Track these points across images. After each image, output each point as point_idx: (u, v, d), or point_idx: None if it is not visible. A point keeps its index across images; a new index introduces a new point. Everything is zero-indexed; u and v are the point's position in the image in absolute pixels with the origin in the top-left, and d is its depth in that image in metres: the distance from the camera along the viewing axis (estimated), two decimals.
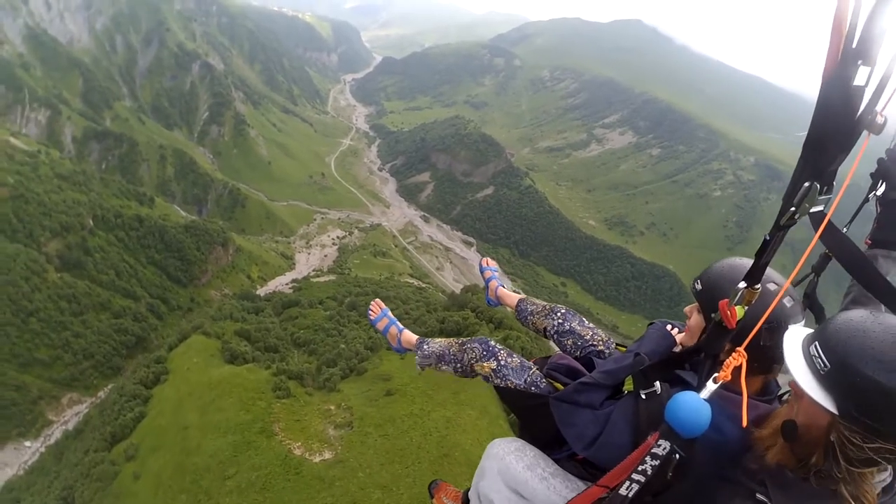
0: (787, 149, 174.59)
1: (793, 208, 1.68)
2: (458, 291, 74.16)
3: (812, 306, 2.13)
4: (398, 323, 4.18)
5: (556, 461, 2.84)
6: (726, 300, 1.88)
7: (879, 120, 1.65)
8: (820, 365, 1.62)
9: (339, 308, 64.93)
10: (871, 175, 2.26)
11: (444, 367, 3.57)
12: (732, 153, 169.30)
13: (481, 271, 4.76)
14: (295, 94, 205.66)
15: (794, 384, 1.72)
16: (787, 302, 2.16)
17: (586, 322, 3.57)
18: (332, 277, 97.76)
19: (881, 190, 2.48)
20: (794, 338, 1.80)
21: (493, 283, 4.51)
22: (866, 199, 2.65)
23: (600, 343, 3.35)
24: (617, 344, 3.37)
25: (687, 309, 2.62)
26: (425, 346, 3.72)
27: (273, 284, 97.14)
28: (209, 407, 39.68)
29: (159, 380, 47.37)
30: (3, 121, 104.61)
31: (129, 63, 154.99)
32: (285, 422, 37.11)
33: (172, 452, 37.12)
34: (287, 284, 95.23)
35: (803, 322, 2.18)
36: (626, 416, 2.32)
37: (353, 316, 59.45)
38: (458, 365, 3.45)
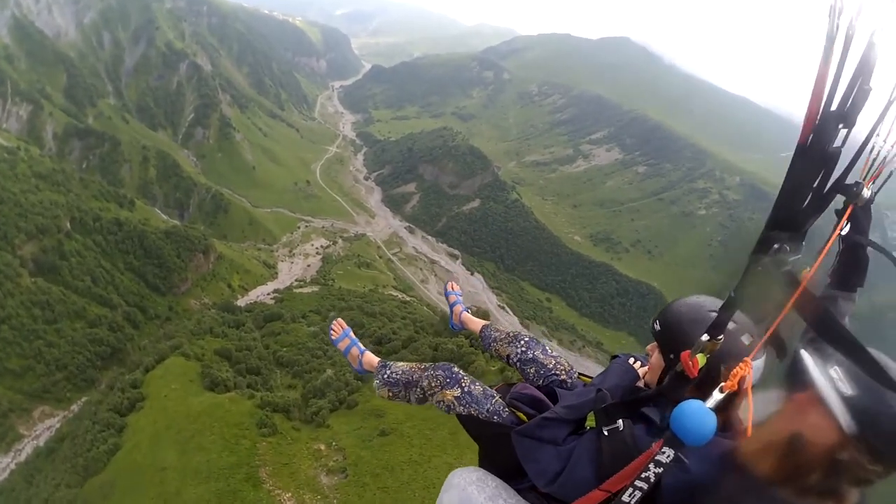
0: (772, 169, 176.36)
1: (759, 268, 1.69)
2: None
3: (774, 342, 2.06)
4: (360, 344, 4.09)
5: (518, 491, 2.81)
6: (688, 352, 1.91)
7: (866, 192, 1.62)
8: (844, 389, 1.61)
9: (323, 324, 63.24)
10: (837, 213, 2.19)
11: (404, 393, 3.48)
12: (718, 172, 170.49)
13: (446, 295, 4.76)
14: (282, 98, 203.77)
15: (800, 398, 1.71)
16: (746, 339, 2.18)
17: (549, 350, 3.55)
18: (316, 289, 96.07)
19: (846, 230, 2.40)
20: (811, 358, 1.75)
21: (458, 308, 4.54)
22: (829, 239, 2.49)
23: (563, 373, 3.35)
24: (580, 374, 3.37)
25: (649, 347, 2.66)
26: (387, 371, 3.62)
27: (254, 294, 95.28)
28: (189, 444, 37.23)
29: (134, 406, 44.79)
30: None
31: (116, 60, 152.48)
32: (272, 465, 34.72)
33: (149, 497, 34.49)
34: (269, 295, 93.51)
35: (763, 357, 2.18)
36: (588, 453, 2.34)
37: None
38: (420, 392, 3.38)
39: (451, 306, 4.62)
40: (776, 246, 1.66)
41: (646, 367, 2.75)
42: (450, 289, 4.79)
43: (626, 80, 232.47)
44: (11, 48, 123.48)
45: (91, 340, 70.38)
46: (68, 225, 79.74)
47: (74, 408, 63.87)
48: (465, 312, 4.52)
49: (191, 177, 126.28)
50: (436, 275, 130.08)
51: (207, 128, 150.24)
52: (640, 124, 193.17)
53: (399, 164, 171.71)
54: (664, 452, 1.84)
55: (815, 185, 1.61)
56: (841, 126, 1.54)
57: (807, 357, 1.74)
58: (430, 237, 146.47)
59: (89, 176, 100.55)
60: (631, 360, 2.96)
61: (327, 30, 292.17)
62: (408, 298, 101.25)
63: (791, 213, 1.65)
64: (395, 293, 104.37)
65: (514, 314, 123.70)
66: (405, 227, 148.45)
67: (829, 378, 1.64)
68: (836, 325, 1.58)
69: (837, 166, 1.60)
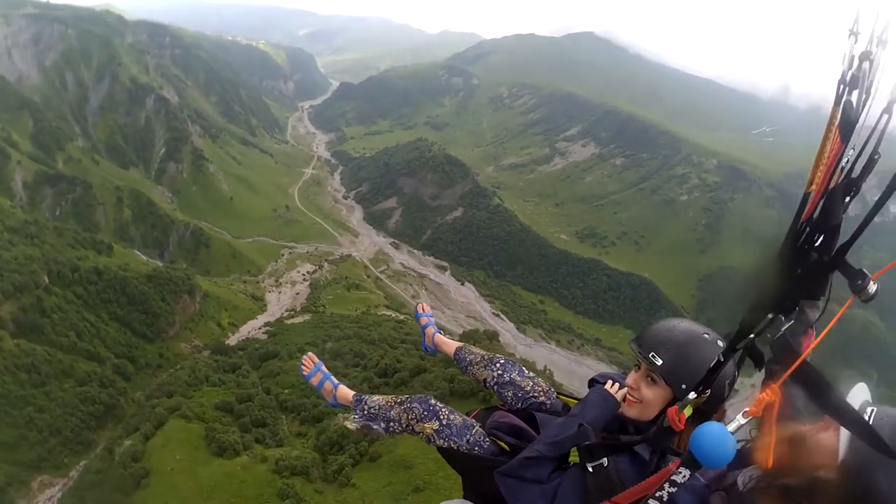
0: (747, 148, 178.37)
1: (752, 335, 1.70)
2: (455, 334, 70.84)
3: (752, 355, 2.09)
4: (332, 378, 4.02)
5: None
6: (675, 408, 1.97)
7: (871, 288, 1.57)
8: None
9: (321, 357, 61.23)
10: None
11: (382, 426, 3.48)
12: (695, 157, 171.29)
13: (417, 317, 4.66)
14: (253, 124, 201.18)
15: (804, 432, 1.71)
16: (730, 367, 2.24)
17: (526, 372, 3.55)
18: (307, 317, 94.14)
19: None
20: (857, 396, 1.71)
21: (430, 330, 4.44)
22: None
23: (541, 394, 3.35)
24: (559, 393, 3.36)
25: (630, 382, 2.69)
26: (363, 405, 3.60)
27: (245, 330, 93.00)
28: None
29: (139, 484, 41.95)
30: None
31: (81, 100, 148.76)
32: None
33: None
34: (260, 329, 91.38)
35: (737, 378, 2.31)
36: (574, 490, 2.36)
37: (339, 367, 55.54)
38: (397, 425, 3.39)
39: (424, 328, 4.51)
40: (770, 316, 1.66)
41: (625, 391, 2.74)
42: (420, 310, 4.71)
43: (594, 74, 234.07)
44: None
45: (83, 400, 67.23)
46: (46, 279, 76.72)
47: (73, 474, 60.85)
48: (437, 334, 4.41)
49: (167, 214, 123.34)
50: (426, 289, 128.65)
51: (180, 161, 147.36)
52: (613, 117, 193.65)
53: (377, 179, 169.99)
54: (680, 472, 1.85)
55: (813, 261, 1.59)
56: (848, 198, 1.53)
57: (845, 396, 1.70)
58: (416, 251, 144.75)
59: (63, 224, 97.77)
60: (609, 384, 2.87)
61: (292, 51, 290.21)
62: (402, 317, 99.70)
63: (788, 288, 1.65)
64: (388, 312, 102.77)
65: (510, 320, 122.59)
66: (390, 244, 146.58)
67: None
68: (831, 394, 1.61)
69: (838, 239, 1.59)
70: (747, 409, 1.74)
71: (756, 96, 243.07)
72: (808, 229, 1.56)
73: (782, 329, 1.67)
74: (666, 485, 1.88)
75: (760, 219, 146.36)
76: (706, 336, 2.40)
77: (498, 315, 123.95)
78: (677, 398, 2.38)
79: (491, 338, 71.25)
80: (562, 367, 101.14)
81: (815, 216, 1.55)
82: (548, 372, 72.76)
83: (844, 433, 1.60)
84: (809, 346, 1.74)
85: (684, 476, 1.84)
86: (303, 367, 4.15)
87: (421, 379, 44.49)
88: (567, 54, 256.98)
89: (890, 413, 1.61)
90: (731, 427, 1.72)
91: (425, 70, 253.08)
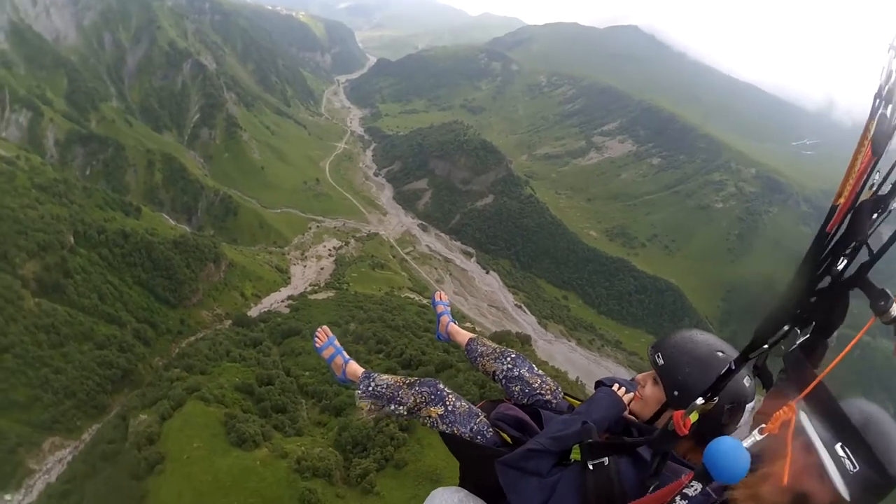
0: (785, 159, 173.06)
1: (766, 346, 1.71)
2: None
3: (761, 375, 2.09)
4: (344, 353, 4.04)
5: None
6: (682, 412, 1.98)
7: (894, 310, 1.50)
8: (849, 466, 1.64)
9: (344, 339, 60.36)
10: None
11: (388, 407, 3.47)
12: (734, 164, 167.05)
13: (434, 305, 4.66)
14: (288, 95, 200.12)
15: (799, 460, 1.70)
16: (746, 382, 2.29)
17: (536, 369, 3.56)
18: (331, 294, 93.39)
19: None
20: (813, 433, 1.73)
21: (445, 319, 4.48)
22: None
23: (548, 393, 3.35)
24: (565, 394, 3.36)
25: (640, 378, 2.75)
26: (371, 383, 3.59)
27: (268, 301, 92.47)
28: None
29: (153, 469, 40.72)
30: None
31: (118, 61, 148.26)
32: None
33: None
34: (283, 302, 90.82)
35: (755, 400, 2.29)
36: (573, 487, 2.39)
37: (362, 352, 54.38)
38: (403, 407, 3.38)
39: (439, 316, 4.52)
40: (786, 328, 1.67)
41: (632, 395, 2.75)
42: (437, 298, 4.68)
43: (636, 69, 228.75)
44: (9, 54, 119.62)
45: (100, 364, 66.43)
46: (72, 239, 75.96)
47: (86, 437, 60.66)
48: (452, 324, 4.41)
49: (198, 180, 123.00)
50: (451, 274, 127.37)
51: (213, 128, 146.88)
52: (652, 115, 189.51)
53: (409, 159, 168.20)
54: (692, 486, 1.85)
55: (835, 276, 1.57)
56: (876, 215, 1.50)
57: (812, 432, 1.72)
58: (443, 235, 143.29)
59: (93, 184, 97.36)
60: (616, 387, 2.86)
61: (331, 24, 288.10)
62: (425, 301, 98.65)
63: (806, 303, 1.64)
64: (412, 295, 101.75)
65: (532, 313, 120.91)
66: (418, 225, 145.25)
67: (837, 456, 1.66)
68: (843, 418, 1.60)
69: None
70: (763, 425, 1.75)
71: (799, 107, 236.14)
72: (832, 242, 1.55)
73: (797, 342, 1.66)
74: (678, 497, 1.91)
75: (794, 234, 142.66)
76: (719, 354, 2.36)
77: (520, 307, 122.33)
78: (669, 403, 2.44)
79: (524, 341, 69.38)
80: (580, 366, 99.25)
81: (840, 230, 1.54)
82: (563, 371, 71.07)
83: (836, 482, 1.63)
84: (825, 371, 1.73)
85: (696, 489, 1.86)
86: (316, 339, 4.13)
87: (454, 384, 43.14)
88: (609, 47, 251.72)
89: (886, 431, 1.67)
90: (747, 443, 1.73)
91: (464, 52, 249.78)
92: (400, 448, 39.63)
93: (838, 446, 1.65)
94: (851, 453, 1.63)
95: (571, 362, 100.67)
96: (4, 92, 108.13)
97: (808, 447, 1.68)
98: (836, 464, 1.64)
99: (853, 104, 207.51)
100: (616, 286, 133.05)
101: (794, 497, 1.68)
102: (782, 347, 1.67)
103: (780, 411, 1.69)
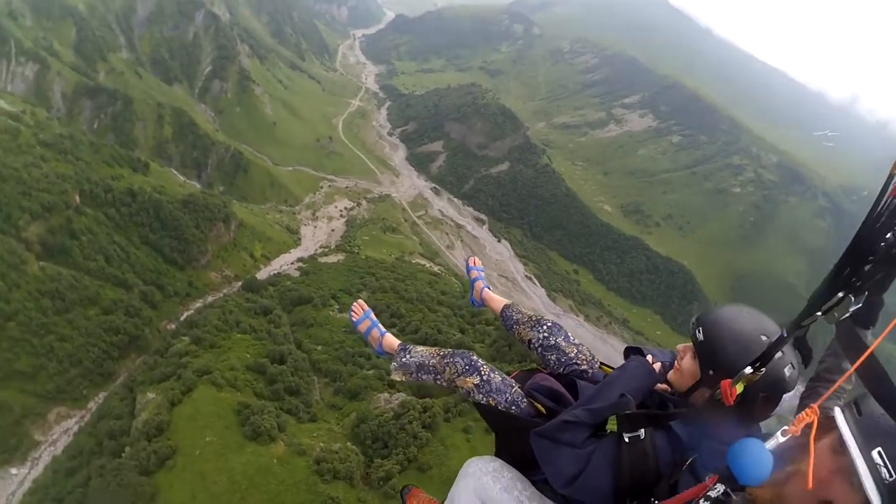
0: (806, 149, 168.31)
1: (819, 313, 1.70)
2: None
3: (801, 348, 2.14)
4: (380, 326, 3.99)
5: (534, 482, 2.89)
6: (729, 381, 1.99)
7: None
8: (885, 474, 1.57)
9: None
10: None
11: (424, 378, 3.49)
12: (755, 149, 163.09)
13: (467, 270, 4.59)
14: (303, 48, 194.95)
15: (828, 462, 1.66)
16: (788, 371, 2.19)
17: (572, 338, 3.52)
18: (341, 257, 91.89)
19: None
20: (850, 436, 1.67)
21: (479, 284, 4.41)
22: None
23: (584, 363, 3.32)
24: (602, 364, 3.33)
25: (680, 348, 2.66)
26: (407, 355, 3.61)
27: (277, 263, 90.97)
28: None
29: (163, 464, 38.89)
30: None
31: (128, 10, 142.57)
32: None
33: None
34: (293, 264, 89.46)
35: (800, 389, 2.26)
36: (607, 459, 2.38)
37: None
38: (439, 377, 3.38)
39: (473, 282, 4.46)
40: (840, 295, 1.65)
41: (672, 371, 2.66)
42: (471, 264, 4.61)
43: (661, 42, 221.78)
44: (14, 4, 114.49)
45: (106, 329, 64.22)
46: (77, 199, 73.20)
47: (92, 405, 59.22)
48: (486, 290, 4.34)
49: (208, 135, 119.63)
50: (462, 240, 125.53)
51: (225, 80, 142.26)
52: (675, 91, 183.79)
53: (425, 120, 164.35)
54: (716, 488, 1.84)
55: (890, 245, 1.56)
56: None
57: (846, 431, 1.66)
58: (456, 199, 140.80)
59: (100, 139, 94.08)
60: (650, 358, 2.86)
61: None
62: (436, 269, 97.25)
63: (861, 269, 1.63)
64: (422, 262, 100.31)
65: (542, 285, 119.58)
66: (431, 188, 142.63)
67: (872, 462, 1.60)
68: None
69: None
70: (786, 427, 1.73)
71: (824, 98, 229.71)
72: (888, 212, 1.52)
73: (850, 310, 1.63)
74: (702, 500, 1.88)
75: (810, 228, 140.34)
76: (762, 338, 2.20)
77: (530, 279, 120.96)
78: (702, 381, 2.37)
79: None
80: (587, 342, 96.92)
81: None
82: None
83: (868, 490, 1.56)
84: (878, 340, 1.70)
85: (719, 492, 1.83)
86: (353, 313, 4.04)
87: None
88: (635, 16, 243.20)
89: None
90: (770, 445, 1.71)
91: (485, 12, 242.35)
92: (423, 448, 38.25)
93: (875, 452, 1.59)
94: (890, 461, 1.56)
95: (578, 338, 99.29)
96: (10, 44, 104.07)
97: (840, 450, 1.64)
98: (870, 471, 1.58)
99: (878, 103, 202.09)
100: (627, 264, 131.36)
101: (820, 502, 1.65)
102: (835, 314, 1.64)
103: (804, 413, 1.68)
